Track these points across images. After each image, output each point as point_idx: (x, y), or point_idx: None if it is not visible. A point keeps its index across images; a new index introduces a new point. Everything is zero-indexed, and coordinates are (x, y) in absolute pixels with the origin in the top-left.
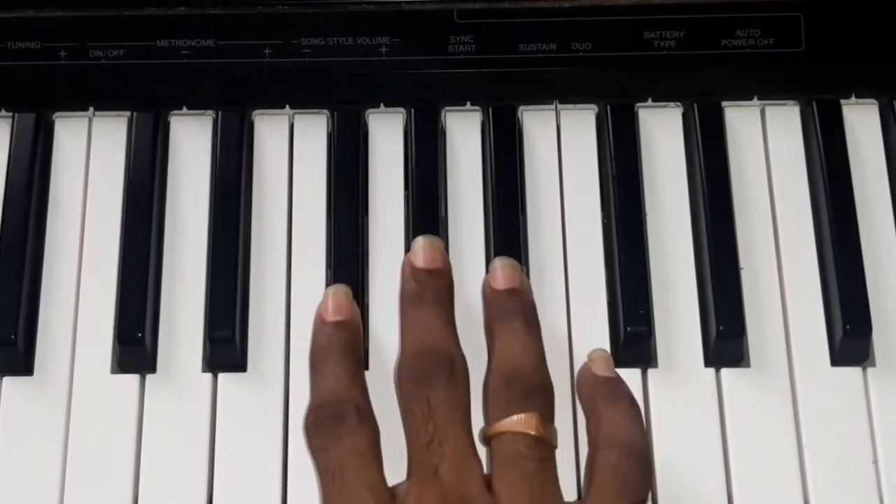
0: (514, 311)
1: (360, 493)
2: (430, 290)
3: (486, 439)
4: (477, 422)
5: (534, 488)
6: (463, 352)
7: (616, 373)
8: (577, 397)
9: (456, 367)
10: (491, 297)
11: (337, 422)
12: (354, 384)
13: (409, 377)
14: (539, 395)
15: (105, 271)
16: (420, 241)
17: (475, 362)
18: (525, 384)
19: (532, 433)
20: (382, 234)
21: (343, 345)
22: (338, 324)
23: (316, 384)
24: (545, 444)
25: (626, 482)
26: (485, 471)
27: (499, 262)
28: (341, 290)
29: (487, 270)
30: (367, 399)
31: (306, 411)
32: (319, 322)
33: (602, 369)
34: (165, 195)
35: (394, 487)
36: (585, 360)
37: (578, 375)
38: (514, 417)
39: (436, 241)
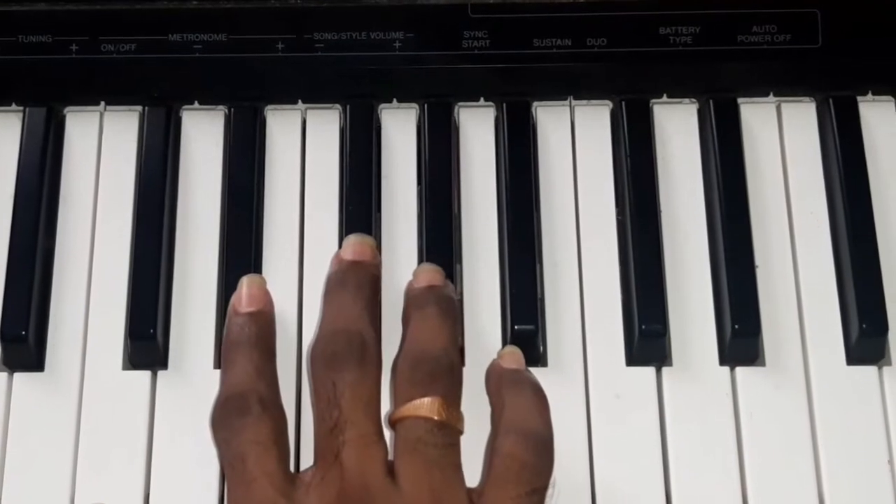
0: (429, 300)
1: (259, 482)
2: (351, 277)
3: (391, 423)
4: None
5: (434, 475)
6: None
7: (524, 366)
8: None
9: (367, 350)
10: (409, 293)
11: (240, 414)
12: (260, 376)
13: (319, 357)
14: (445, 378)
15: (116, 267)
16: (351, 237)
17: None
18: (431, 367)
19: (434, 418)
20: (395, 230)
21: (252, 337)
22: (250, 315)
23: (224, 377)
24: (448, 430)
25: (523, 469)
26: (390, 456)
27: (421, 267)
28: (256, 279)
29: (500, 268)
30: (272, 390)
31: (213, 405)
32: (232, 313)
33: (510, 363)
34: (177, 191)
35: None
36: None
37: (487, 370)
38: (417, 401)
39: (367, 238)
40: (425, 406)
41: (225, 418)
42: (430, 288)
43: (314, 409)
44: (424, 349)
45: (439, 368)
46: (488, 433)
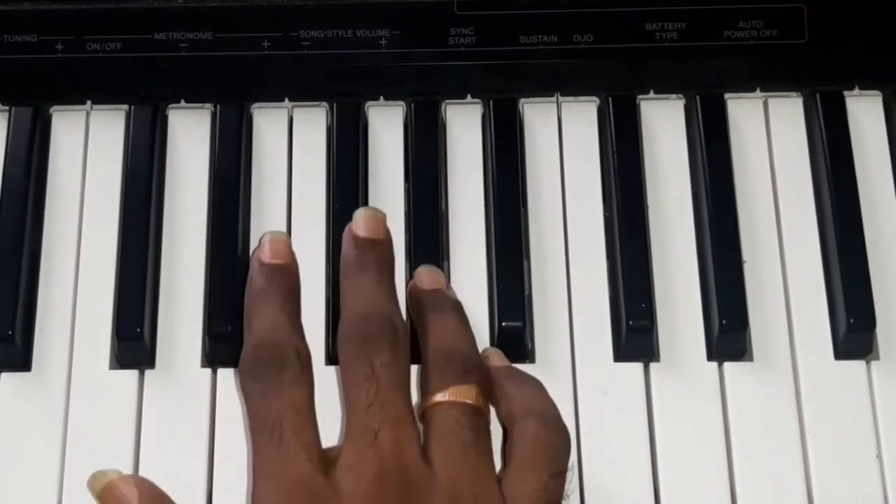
0: (445, 304)
1: (297, 454)
2: (372, 258)
3: (423, 411)
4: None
5: (470, 457)
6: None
7: (509, 363)
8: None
9: (399, 334)
10: (419, 295)
11: (278, 367)
12: (295, 329)
13: (353, 339)
14: (478, 373)
15: (103, 266)
16: (361, 212)
17: None
18: (465, 362)
19: (471, 402)
20: None
21: (281, 286)
22: (276, 266)
23: (253, 325)
24: (483, 416)
25: (547, 452)
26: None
27: (423, 269)
28: (280, 235)
29: (488, 264)
30: (307, 347)
31: (242, 353)
32: (256, 264)
33: (498, 362)
34: (164, 189)
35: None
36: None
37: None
38: (455, 387)
39: (378, 212)
40: (462, 391)
41: (260, 370)
42: (440, 292)
43: (347, 387)
44: (455, 347)
45: (472, 364)
46: None
